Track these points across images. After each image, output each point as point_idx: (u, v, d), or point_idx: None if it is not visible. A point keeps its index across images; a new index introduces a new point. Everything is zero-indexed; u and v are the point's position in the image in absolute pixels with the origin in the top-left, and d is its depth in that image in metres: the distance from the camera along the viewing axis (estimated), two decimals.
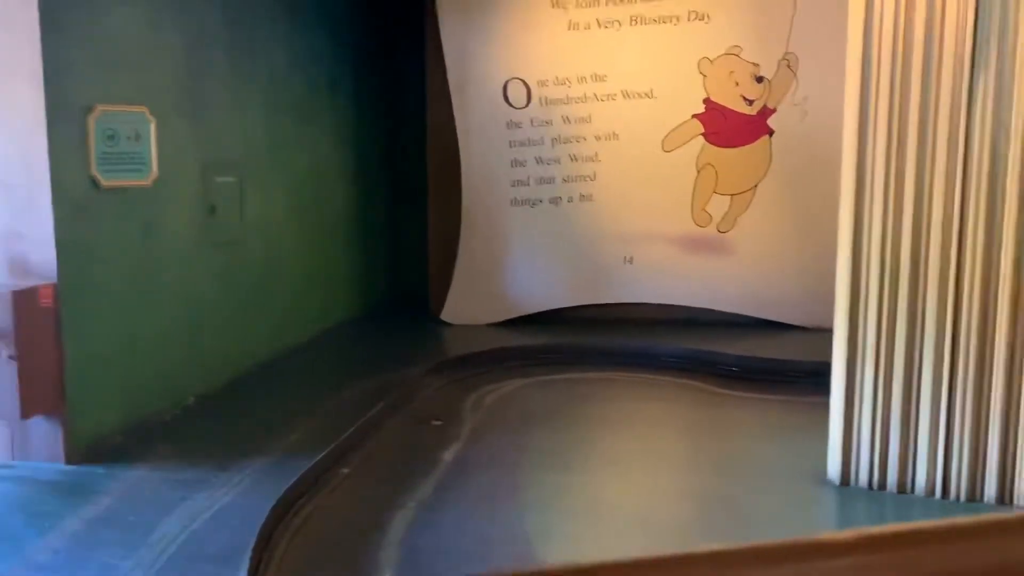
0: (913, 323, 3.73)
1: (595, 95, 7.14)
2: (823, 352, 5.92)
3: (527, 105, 7.19)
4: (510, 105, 7.20)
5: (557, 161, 7.23)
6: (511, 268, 7.38)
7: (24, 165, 3.83)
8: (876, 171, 3.73)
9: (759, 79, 6.97)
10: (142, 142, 4.32)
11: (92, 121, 4.01)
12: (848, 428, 3.85)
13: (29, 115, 3.79)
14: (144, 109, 4.37)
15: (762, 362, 6.00)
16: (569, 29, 7.09)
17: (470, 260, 7.38)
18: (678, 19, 6.99)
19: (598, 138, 7.17)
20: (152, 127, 4.39)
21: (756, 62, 6.95)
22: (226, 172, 5.27)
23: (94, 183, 4.07)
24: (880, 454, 3.79)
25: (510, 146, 7.24)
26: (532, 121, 7.19)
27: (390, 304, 8.00)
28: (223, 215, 5.22)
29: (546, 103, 7.17)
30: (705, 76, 7.02)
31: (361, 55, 7.48)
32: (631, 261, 7.24)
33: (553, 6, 7.09)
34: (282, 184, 6.08)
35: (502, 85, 7.18)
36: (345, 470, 4.11)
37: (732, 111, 7.06)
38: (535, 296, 7.30)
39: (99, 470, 3.89)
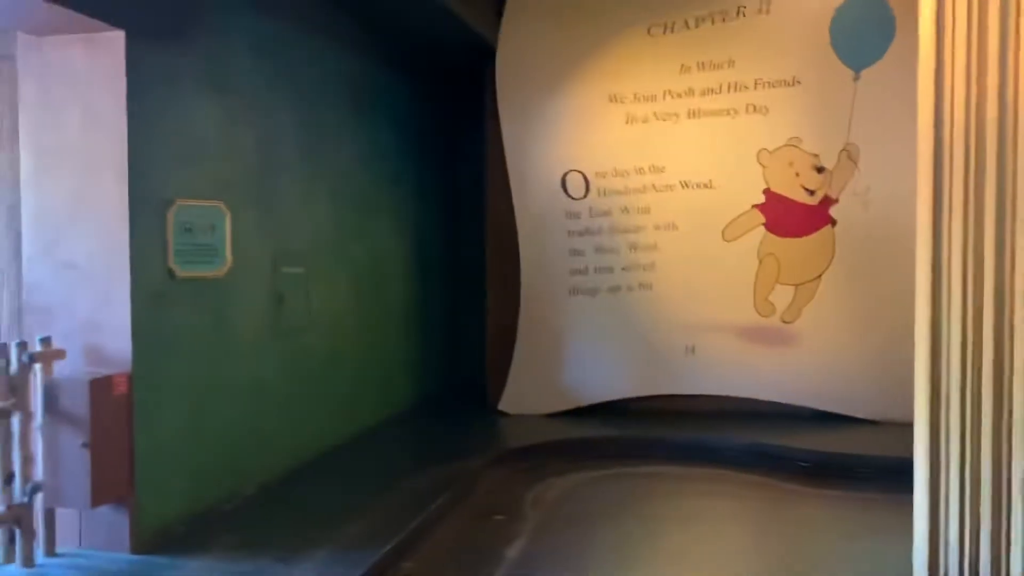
0: (999, 416, 3.56)
1: (654, 186, 7.19)
2: (895, 447, 5.74)
3: (585, 196, 7.27)
4: (569, 196, 7.28)
5: (616, 251, 7.25)
6: (570, 358, 7.32)
7: (106, 257, 3.96)
8: (953, 260, 3.61)
9: (819, 169, 6.96)
10: (216, 234, 4.45)
11: (171, 214, 4.16)
12: (934, 529, 3.65)
13: (113, 209, 3.94)
14: (219, 203, 4.52)
15: (832, 457, 5.78)
16: (627, 122, 7.21)
17: (528, 350, 7.35)
18: (736, 112, 7.07)
19: (657, 228, 7.19)
20: (227, 220, 4.53)
21: (816, 153, 6.96)
22: (294, 263, 5.38)
23: (170, 274, 4.18)
24: (971, 556, 3.58)
25: (569, 235, 7.29)
26: (591, 211, 7.26)
27: (448, 393, 7.99)
28: (290, 304, 5.31)
29: (604, 194, 7.25)
30: (765, 167, 7.03)
31: (424, 150, 7.69)
32: (693, 351, 7.14)
33: (611, 101, 7.23)
34: (345, 274, 6.19)
35: (561, 177, 7.29)
36: (408, 564, 4.02)
37: (793, 201, 7.03)
38: (594, 387, 7.21)
39: (163, 560, 3.87)
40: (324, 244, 5.86)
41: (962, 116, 3.59)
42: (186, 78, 4.38)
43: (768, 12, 6.99)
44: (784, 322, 7.06)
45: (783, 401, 6.98)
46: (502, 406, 7.22)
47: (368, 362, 6.56)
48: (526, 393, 7.24)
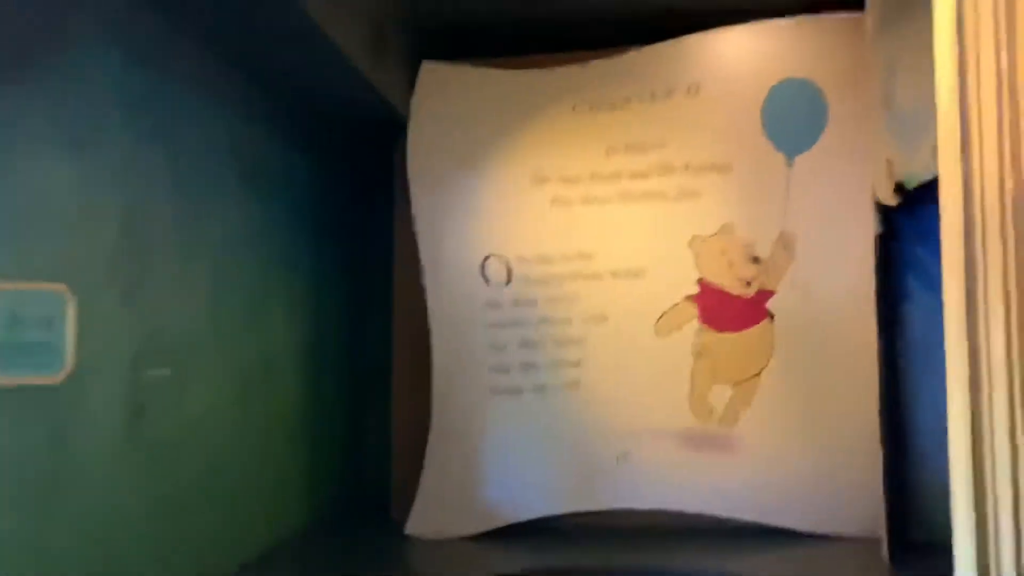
0: None
1: (581, 274, 6.54)
2: (855, 570, 5.13)
3: (507, 283, 6.54)
4: (488, 283, 6.54)
5: (541, 345, 6.50)
6: (489, 469, 6.43)
7: None
8: (992, 335, 2.96)
9: (755, 259, 6.47)
10: (55, 328, 3.43)
11: None
12: None
13: None
14: (63, 287, 3.52)
15: None
16: (552, 205, 6.58)
17: (441, 460, 6.42)
18: (666, 196, 6.55)
19: (585, 320, 6.50)
20: (71, 309, 3.52)
21: (750, 241, 6.49)
22: (161, 362, 4.36)
23: None
24: None
25: (489, 328, 6.51)
26: (514, 300, 6.52)
27: (347, 510, 6.90)
28: (154, 415, 4.26)
29: (528, 282, 6.53)
30: (697, 255, 6.50)
31: (323, 230, 6.82)
32: (626, 459, 6.38)
33: (535, 181, 6.61)
34: (227, 374, 5.18)
35: (479, 262, 6.55)
36: None
37: (728, 293, 6.50)
38: (518, 503, 6.30)
39: None
40: (202, 338, 4.87)
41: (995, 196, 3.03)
42: (28, 127, 3.44)
43: (698, 94, 6.58)
44: (722, 426, 6.42)
45: (723, 515, 6.25)
46: (410, 528, 6.19)
47: (253, 480, 5.49)
48: (438, 512, 6.26)
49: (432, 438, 6.46)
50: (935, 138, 3.14)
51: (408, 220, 6.66)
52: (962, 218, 3.00)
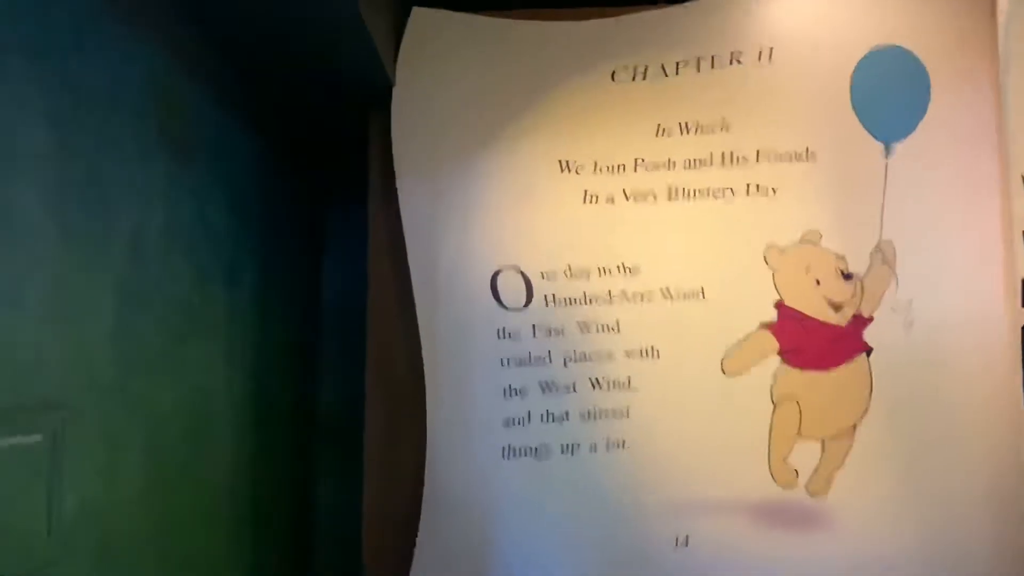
0: None
1: (624, 293, 4.94)
2: None
3: (526, 306, 4.89)
4: (501, 306, 4.88)
5: (572, 389, 4.86)
6: (501, 556, 4.75)
7: None
8: None
9: (847, 276, 5.00)
10: None
11: None
12: None
13: None
14: None
15: None
16: (585, 202, 4.99)
17: (437, 545, 4.71)
18: (733, 192, 5.03)
19: (630, 355, 4.89)
20: None
21: (841, 253, 5.02)
22: (23, 426, 2.56)
23: None
24: None
25: (501, 366, 4.85)
26: (534, 329, 4.87)
27: None
28: (14, 509, 2.45)
29: (554, 304, 4.90)
30: (775, 271, 5.00)
31: (274, 232, 5.07)
32: (686, 543, 4.77)
33: (562, 170, 5.01)
34: (137, 439, 3.37)
35: (490, 278, 4.90)
36: None
37: (814, 320, 4.98)
38: None
39: None
40: (97, 384, 3.06)
41: None
42: None
43: (771, 61, 5.11)
44: (810, 494, 4.88)
45: None
46: None
47: None
48: None
49: (424, 517, 4.75)
50: None
51: (390, 222, 5.01)
52: None
